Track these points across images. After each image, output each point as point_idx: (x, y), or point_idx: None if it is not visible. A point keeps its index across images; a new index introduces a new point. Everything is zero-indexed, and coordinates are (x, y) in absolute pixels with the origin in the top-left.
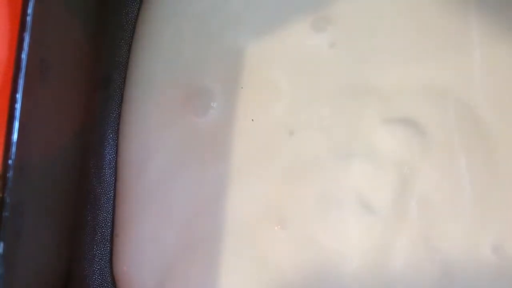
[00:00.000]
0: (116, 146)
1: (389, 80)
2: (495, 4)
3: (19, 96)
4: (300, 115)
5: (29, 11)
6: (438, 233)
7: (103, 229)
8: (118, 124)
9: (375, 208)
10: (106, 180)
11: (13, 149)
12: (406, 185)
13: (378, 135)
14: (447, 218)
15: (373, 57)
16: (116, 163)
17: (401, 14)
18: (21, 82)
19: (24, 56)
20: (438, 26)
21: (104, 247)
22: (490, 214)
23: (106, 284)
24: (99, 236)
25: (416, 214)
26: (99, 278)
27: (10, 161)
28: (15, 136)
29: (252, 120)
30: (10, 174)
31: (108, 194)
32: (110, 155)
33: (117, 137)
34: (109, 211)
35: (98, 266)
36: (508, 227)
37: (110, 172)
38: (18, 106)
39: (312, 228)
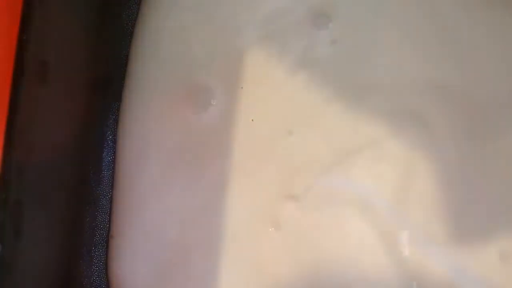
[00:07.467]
0: (115, 146)
1: (392, 76)
2: None
3: (19, 96)
4: (300, 114)
5: (29, 12)
6: (443, 234)
7: (102, 230)
8: (117, 124)
9: (376, 207)
10: (105, 181)
11: (13, 149)
12: (409, 183)
13: (381, 132)
14: (453, 219)
15: (375, 53)
16: (114, 163)
17: (403, 9)
18: (21, 82)
19: (24, 57)
20: (442, 20)
21: (102, 248)
22: (498, 218)
23: (104, 285)
24: (98, 237)
25: (420, 214)
26: (97, 280)
27: (9, 162)
28: (14, 137)
29: (252, 120)
30: (9, 174)
31: (107, 195)
32: (109, 156)
33: (116, 137)
34: (107, 212)
35: (96, 267)
36: None
37: (109, 173)
38: (18, 106)
39: (311, 229)
